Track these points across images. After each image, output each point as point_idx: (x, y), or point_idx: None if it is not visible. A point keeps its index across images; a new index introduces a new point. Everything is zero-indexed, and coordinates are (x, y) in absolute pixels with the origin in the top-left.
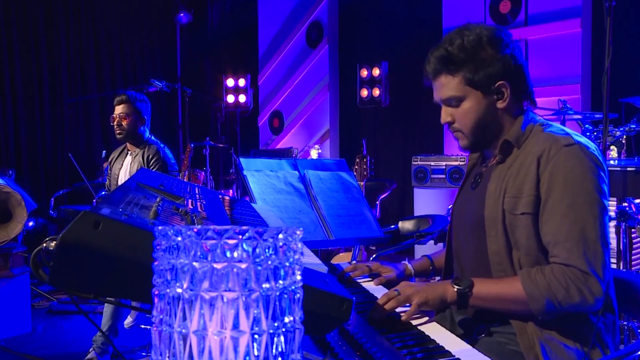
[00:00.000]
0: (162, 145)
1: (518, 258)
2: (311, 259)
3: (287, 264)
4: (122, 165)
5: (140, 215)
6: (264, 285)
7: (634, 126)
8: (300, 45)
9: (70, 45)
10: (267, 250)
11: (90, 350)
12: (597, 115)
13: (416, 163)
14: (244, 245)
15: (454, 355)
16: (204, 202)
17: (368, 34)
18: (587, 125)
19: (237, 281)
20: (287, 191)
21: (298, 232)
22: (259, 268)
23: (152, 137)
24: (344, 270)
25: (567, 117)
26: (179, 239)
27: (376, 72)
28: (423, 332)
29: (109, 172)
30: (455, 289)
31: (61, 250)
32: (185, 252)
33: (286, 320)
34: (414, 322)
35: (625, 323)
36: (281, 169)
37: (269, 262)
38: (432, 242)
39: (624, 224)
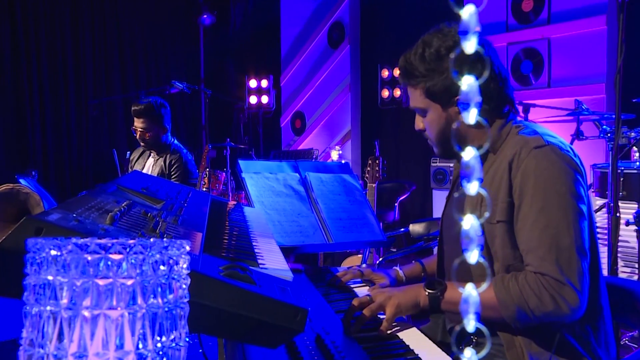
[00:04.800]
0: (184, 151)
1: (497, 269)
2: (277, 265)
3: (163, 280)
4: (143, 166)
5: (96, 220)
6: (140, 303)
7: None
8: (322, 45)
9: (95, 47)
10: (139, 266)
11: None
12: (614, 116)
13: (435, 164)
14: (108, 262)
15: None
16: (185, 207)
17: (389, 34)
18: (604, 126)
19: (97, 298)
20: (287, 194)
21: (183, 245)
22: (122, 284)
23: (175, 141)
24: (335, 275)
25: (582, 117)
26: (43, 253)
27: (397, 72)
28: (403, 343)
29: (130, 171)
30: (427, 293)
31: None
32: (48, 266)
33: (163, 339)
34: (399, 332)
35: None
36: (281, 171)
37: (139, 278)
38: None
39: None
